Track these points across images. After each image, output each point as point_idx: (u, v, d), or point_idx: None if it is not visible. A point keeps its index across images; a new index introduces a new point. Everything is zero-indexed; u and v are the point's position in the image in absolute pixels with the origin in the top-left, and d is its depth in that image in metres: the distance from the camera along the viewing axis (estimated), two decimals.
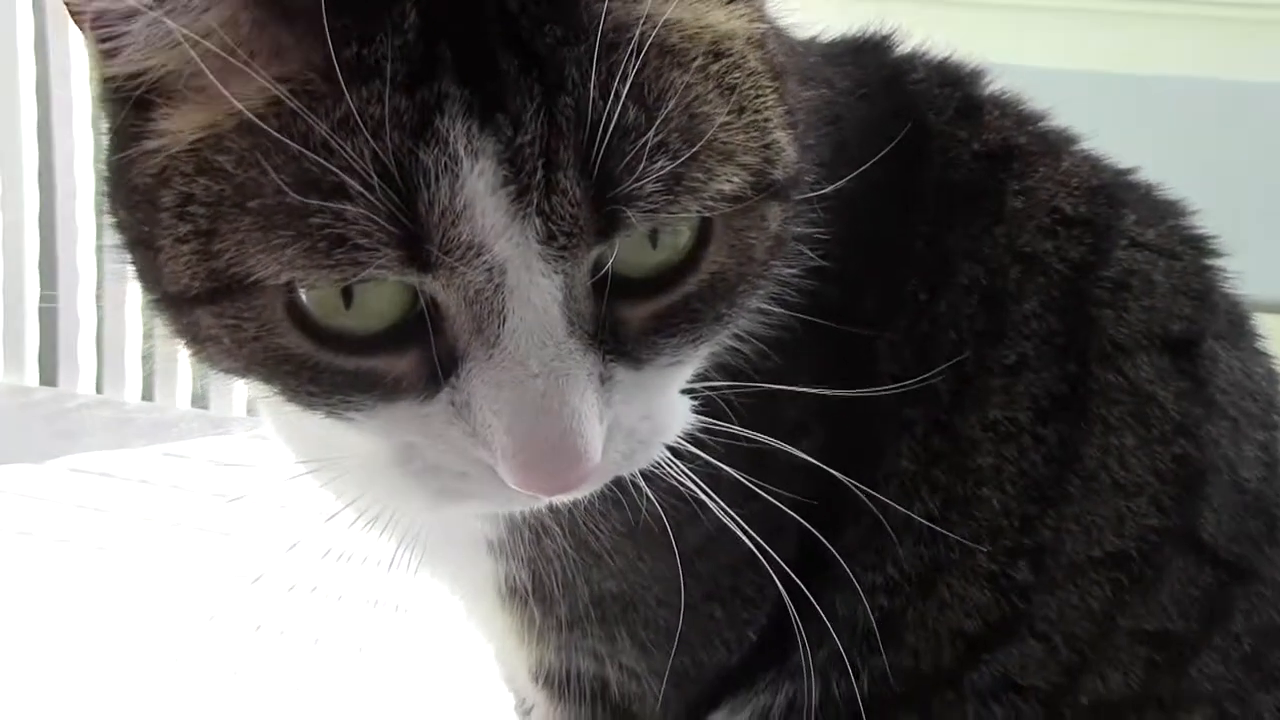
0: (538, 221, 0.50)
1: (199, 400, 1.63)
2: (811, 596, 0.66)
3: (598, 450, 0.53)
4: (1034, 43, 1.76)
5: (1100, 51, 1.75)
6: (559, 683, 0.75)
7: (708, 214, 0.53)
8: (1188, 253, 0.74)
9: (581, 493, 0.57)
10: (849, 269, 0.67)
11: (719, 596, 0.71)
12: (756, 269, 0.58)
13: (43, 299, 1.70)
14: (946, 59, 0.76)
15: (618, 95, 0.50)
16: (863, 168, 0.63)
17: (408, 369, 0.53)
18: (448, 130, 0.49)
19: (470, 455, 0.54)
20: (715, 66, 0.54)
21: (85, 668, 1.13)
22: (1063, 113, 0.76)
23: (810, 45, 0.73)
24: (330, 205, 0.49)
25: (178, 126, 0.53)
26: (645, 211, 0.51)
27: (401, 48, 0.50)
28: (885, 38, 0.76)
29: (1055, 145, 0.75)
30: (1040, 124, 0.76)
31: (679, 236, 0.54)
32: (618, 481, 0.61)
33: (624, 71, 0.50)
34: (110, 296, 1.64)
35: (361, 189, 0.49)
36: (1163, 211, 0.75)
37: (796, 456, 0.64)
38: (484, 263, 0.50)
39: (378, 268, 0.50)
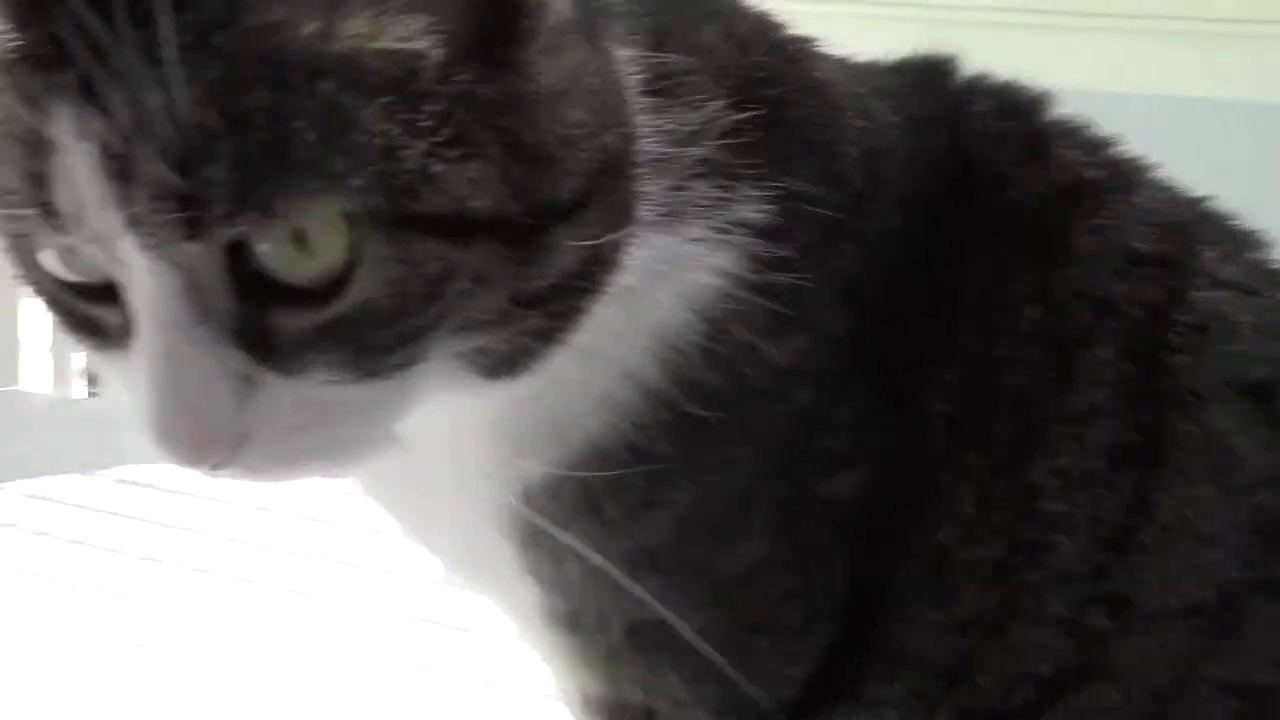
0: (126, 209, 0.51)
1: None
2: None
3: (219, 438, 0.54)
4: (1102, 65, 1.74)
5: (1172, 73, 1.72)
6: (609, 712, 0.74)
7: (301, 234, 0.52)
8: (1267, 289, 0.71)
9: (233, 474, 0.57)
10: (894, 305, 0.66)
11: (762, 629, 0.69)
12: (422, 307, 0.54)
13: None
14: (1007, 86, 0.73)
15: (207, 97, 0.50)
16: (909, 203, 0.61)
17: (115, 321, 0.56)
18: (61, 110, 0.51)
19: None
20: (326, 85, 0.52)
21: (131, 675, 1.14)
22: (1131, 139, 0.73)
23: (866, 70, 0.71)
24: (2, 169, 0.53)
25: None
26: (219, 219, 0.51)
27: (26, 26, 0.52)
28: (945, 63, 0.73)
29: (1127, 177, 0.72)
30: (1109, 152, 0.73)
31: (323, 252, 0.53)
32: (606, 510, 0.61)
33: (221, 77, 0.50)
34: None
35: (14, 156, 0.53)
36: (1241, 244, 0.73)
37: (838, 490, 0.63)
38: (94, 234, 0.52)
39: (34, 227, 0.54)
